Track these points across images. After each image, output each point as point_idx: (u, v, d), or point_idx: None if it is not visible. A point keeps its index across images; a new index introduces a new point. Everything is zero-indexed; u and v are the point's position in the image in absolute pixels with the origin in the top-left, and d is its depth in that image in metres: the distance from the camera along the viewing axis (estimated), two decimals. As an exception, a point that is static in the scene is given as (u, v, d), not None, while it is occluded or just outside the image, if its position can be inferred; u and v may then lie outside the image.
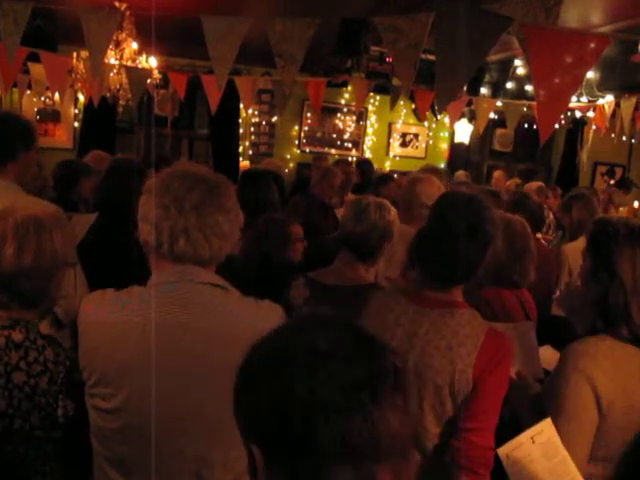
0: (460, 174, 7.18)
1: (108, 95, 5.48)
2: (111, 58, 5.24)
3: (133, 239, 1.48)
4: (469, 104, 6.46)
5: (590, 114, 6.41)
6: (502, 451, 1.50)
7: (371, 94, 8.09)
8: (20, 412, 1.45)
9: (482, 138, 8.73)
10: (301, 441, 0.68)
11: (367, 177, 5.81)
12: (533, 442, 1.51)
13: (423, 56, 2.50)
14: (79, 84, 5.74)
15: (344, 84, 6.94)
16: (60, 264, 1.60)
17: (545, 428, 1.53)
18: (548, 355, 2.48)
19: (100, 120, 7.00)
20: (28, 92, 6.98)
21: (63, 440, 1.50)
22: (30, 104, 7.38)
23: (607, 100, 5.93)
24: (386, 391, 0.71)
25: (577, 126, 8.39)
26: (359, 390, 0.69)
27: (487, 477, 1.60)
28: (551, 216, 5.66)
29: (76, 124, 7.67)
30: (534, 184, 5.77)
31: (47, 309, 1.94)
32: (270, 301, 1.48)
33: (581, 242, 2.05)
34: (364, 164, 6.22)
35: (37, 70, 5.63)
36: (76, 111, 7.67)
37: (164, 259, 1.40)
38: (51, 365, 1.49)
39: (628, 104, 5.63)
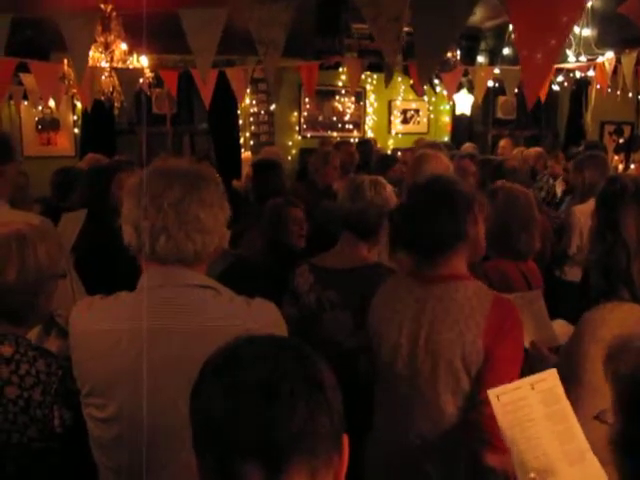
0: (467, 146, 7.07)
1: (103, 98, 5.47)
2: (102, 61, 5.22)
3: (119, 242, 1.46)
4: (465, 74, 6.35)
5: (591, 73, 6.26)
6: (492, 392, 1.36)
7: (367, 73, 8.00)
8: (16, 426, 1.44)
9: (484, 108, 8.61)
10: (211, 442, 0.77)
11: (367, 158, 5.74)
12: (532, 388, 1.38)
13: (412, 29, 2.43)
14: (74, 90, 5.73)
15: (337, 65, 6.86)
16: (46, 277, 1.58)
17: (549, 377, 1.40)
18: (563, 329, 2.42)
19: (99, 124, 7.00)
20: (25, 103, 6.99)
21: (65, 450, 1.49)
22: (29, 115, 7.39)
23: (607, 57, 5.78)
24: (283, 392, 0.77)
25: (581, 87, 8.22)
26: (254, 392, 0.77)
27: (507, 450, 1.55)
28: (551, 181, 5.57)
29: (76, 130, 7.68)
30: (533, 150, 5.67)
31: (50, 322, 1.94)
32: (262, 299, 1.44)
33: (591, 204, 1.99)
34: (363, 145, 6.16)
35: (30, 80, 5.63)
36: (75, 117, 7.67)
37: (149, 261, 1.37)
38: (44, 376, 1.48)
39: (629, 59, 5.48)
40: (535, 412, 1.35)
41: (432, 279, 1.75)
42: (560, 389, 1.40)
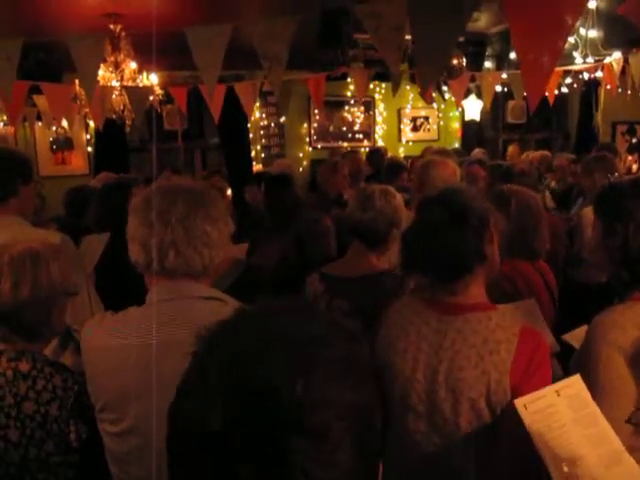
0: (477, 152, 7.08)
1: (114, 117, 5.56)
2: (112, 80, 5.31)
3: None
4: (473, 80, 6.36)
5: (599, 74, 6.24)
6: (519, 402, 1.35)
7: (375, 82, 8.04)
8: (34, 441, 1.47)
9: (493, 112, 8.58)
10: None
11: (378, 166, 5.76)
12: (558, 395, 1.38)
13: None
14: (86, 110, 5.83)
15: (344, 76, 6.90)
16: (59, 294, 1.62)
17: (573, 383, 1.41)
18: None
19: (111, 142, 7.10)
20: (39, 124, 7.11)
21: (81, 464, 1.51)
22: (44, 135, 7.52)
23: (614, 57, 5.76)
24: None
25: (590, 88, 8.18)
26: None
27: None
28: (553, 184, 5.53)
29: (89, 149, 7.79)
30: (538, 153, 5.66)
31: (66, 337, 1.97)
32: None
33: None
34: (373, 154, 6.18)
35: (43, 102, 5.73)
36: (88, 136, 7.78)
37: (157, 276, 1.40)
38: (60, 392, 1.51)
39: (637, 59, 5.45)
40: (564, 418, 1.35)
41: (451, 309, 1.65)
42: (586, 393, 1.39)
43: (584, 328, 2.22)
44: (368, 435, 0.67)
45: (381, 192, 2.47)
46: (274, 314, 0.72)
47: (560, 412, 1.35)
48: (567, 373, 1.66)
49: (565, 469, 1.29)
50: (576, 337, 2.05)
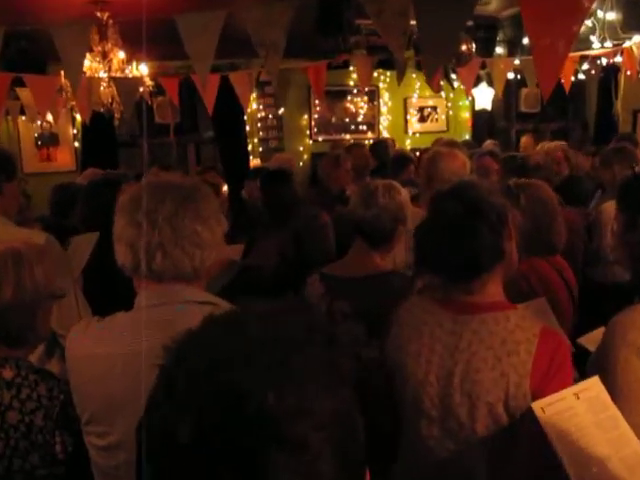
0: (488, 143, 7.08)
1: (102, 110, 5.57)
2: (99, 71, 5.32)
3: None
4: (483, 67, 6.35)
5: (618, 59, 6.23)
6: (537, 404, 1.36)
7: (380, 70, 8.03)
8: (18, 452, 1.48)
9: (506, 101, 8.58)
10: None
11: (383, 160, 5.77)
12: (577, 398, 1.39)
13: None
14: (72, 103, 5.85)
15: (346, 64, 6.91)
16: (44, 297, 1.63)
17: (592, 385, 1.42)
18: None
19: (99, 137, 7.10)
20: (23, 118, 7.13)
21: (68, 476, 1.52)
22: (28, 130, 7.54)
23: (634, 41, 5.75)
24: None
25: (609, 75, 8.16)
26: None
27: None
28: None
29: (76, 144, 7.81)
30: (554, 144, 5.65)
31: (52, 343, 1.98)
32: None
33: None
34: (377, 146, 6.19)
35: (26, 94, 5.75)
36: (74, 131, 7.80)
37: (145, 280, 1.40)
38: (45, 401, 1.52)
39: (658, 43, 5.46)
40: (584, 421, 1.35)
41: (467, 309, 1.67)
42: (605, 395, 1.41)
43: (601, 330, 2.22)
44: (351, 445, 0.67)
45: (385, 187, 2.49)
46: (246, 319, 0.72)
47: (580, 415, 1.36)
48: (583, 376, 1.67)
49: (586, 473, 1.30)
50: (592, 340, 2.06)
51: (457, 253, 1.63)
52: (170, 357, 0.70)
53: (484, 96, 8.09)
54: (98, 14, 5.09)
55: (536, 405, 1.37)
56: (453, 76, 7.23)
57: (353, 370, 0.70)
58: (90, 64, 5.22)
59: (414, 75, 8.28)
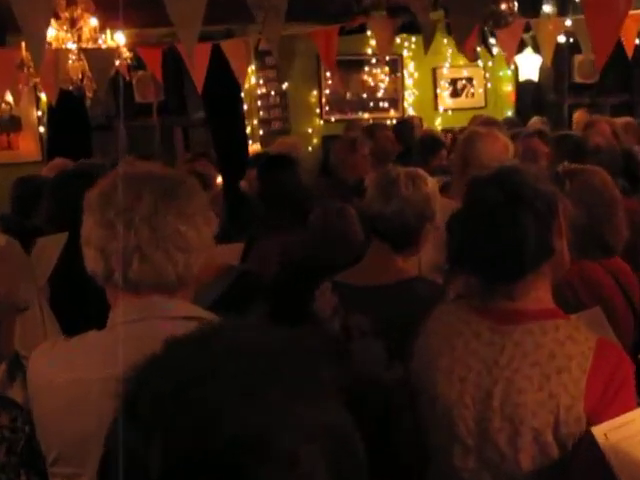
0: (535, 121, 7.07)
1: (71, 88, 5.61)
2: (67, 42, 5.37)
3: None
4: (528, 29, 6.33)
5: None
6: (598, 430, 1.37)
7: (403, 36, 8.05)
8: (-24, 495, 1.50)
9: (556, 70, 8.55)
10: None
11: (408, 143, 5.78)
12: None
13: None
14: (36, 80, 5.89)
15: (363, 29, 6.91)
16: (4, 309, 1.64)
17: None
18: None
19: (69, 120, 7.14)
20: (-23, 99, 7.20)
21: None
22: (-16, 113, 7.61)
23: None
24: None
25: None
26: None
27: None
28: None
29: (41, 129, 7.85)
30: (619, 121, 5.61)
31: (15, 365, 2.00)
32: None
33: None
34: (401, 127, 6.20)
35: (-20, 70, 5.80)
36: (39, 114, 7.85)
37: (121, 291, 1.42)
38: (8, 433, 1.53)
39: None
40: None
41: (508, 317, 1.67)
42: None
43: None
44: (347, 460, 0.71)
45: (408, 176, 2.48)
46: (215, 333, 0.77)
47: None
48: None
49: None
50: None
51: (497, 249, 1.65)
52: (131, 384, 0.74)
53: (529, 65, 8.07)
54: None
55: (597, 430, 1.38)
56: (492, 41, 7.21)
57: (338, 381, 0.75)
58: (56, 34, 5.27)
59: (445, 41, 8.26)
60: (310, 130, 8.69)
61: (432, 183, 2.58)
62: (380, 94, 8.88)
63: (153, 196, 1.40)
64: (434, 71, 9.01)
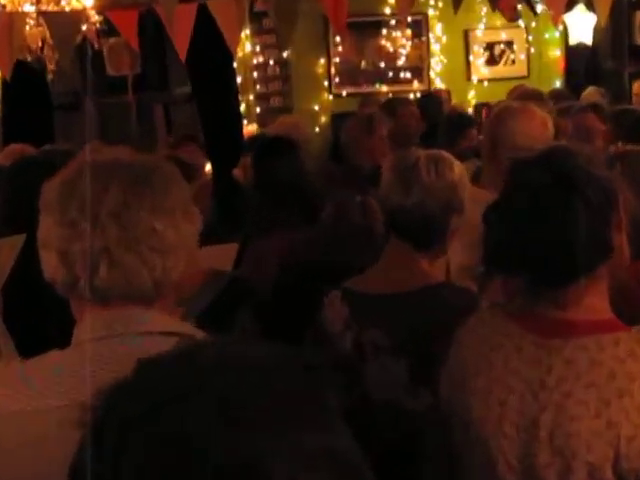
0: (590, 92, 7.05)
1: (29, 59, 5.63)
2: (24, 4, 5.38)
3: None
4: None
5: None
6: None
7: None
8: None
9: (614, 32, 8.53)
10: None
11: (435, 121, 5.78)
12: None
13: None
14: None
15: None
16: None
17: None
18: None
19: (26, 98, 7.18)
20: None
21: None
22: None
23: None
24: None
25: None
26: None
27: None
28: None
29: (-6, 110, 7.91)
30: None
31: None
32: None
33: None
34: (427, 102, 6.21)
35: None
36: (-9, 90, 7.90)
37: (88, 303, 1.42)
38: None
39: None
40: None
41: (558, 329, 1.68)
42: None
43: None
44: None
45: (430, 159, 2.47)
46: (197, 349, 0.78)
47: None
48: None
49: None
50: None
51: (543, 244, 1.65)
52: (98, 410, 0.74)
53: (582, 25, 8.05)
54: None
55: None
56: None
57: (345, 404, 0.75)
58: (11, -6, 5.29)
59: (478, -3, 8.27)
60: (317, 107, 8.72)
61: (459, 168, 2.57)
62: (401, 62, 8.90)
63: (122, 187, 1.39)
64: (466, 34, 9.01)
